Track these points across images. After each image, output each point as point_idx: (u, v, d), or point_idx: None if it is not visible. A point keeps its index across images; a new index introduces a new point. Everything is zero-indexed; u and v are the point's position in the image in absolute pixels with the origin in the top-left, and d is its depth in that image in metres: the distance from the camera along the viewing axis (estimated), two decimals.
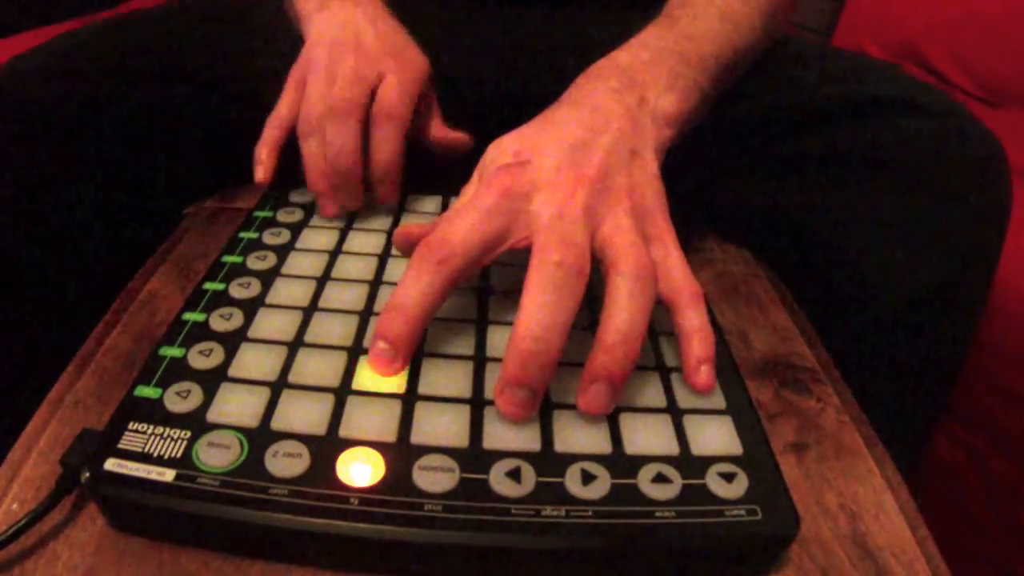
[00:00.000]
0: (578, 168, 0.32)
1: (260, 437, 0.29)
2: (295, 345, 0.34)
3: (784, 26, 0.51)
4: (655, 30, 0.41)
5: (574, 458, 0.29)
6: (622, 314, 0.29)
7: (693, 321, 0.32)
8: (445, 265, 0.30)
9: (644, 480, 0.28)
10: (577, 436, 0.30)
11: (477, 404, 0.31)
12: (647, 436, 0.30)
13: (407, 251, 0.34)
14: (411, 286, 0.30)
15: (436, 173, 0.47)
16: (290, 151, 0.44)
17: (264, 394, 0.31)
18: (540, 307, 0.28)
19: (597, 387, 0.29)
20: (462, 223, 0.30)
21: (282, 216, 0.45)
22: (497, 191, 0.31)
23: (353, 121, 0.41)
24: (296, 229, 0.44)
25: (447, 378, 0.32)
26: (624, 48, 0.40)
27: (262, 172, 0.44)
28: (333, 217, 0.44)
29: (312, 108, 0.41)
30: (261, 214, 0.45)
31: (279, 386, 0.31)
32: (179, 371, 0.32)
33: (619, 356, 0.29)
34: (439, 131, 0.48)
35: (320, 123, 0.41)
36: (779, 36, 0.50)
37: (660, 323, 0.37)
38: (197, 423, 0.29)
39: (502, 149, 0.34)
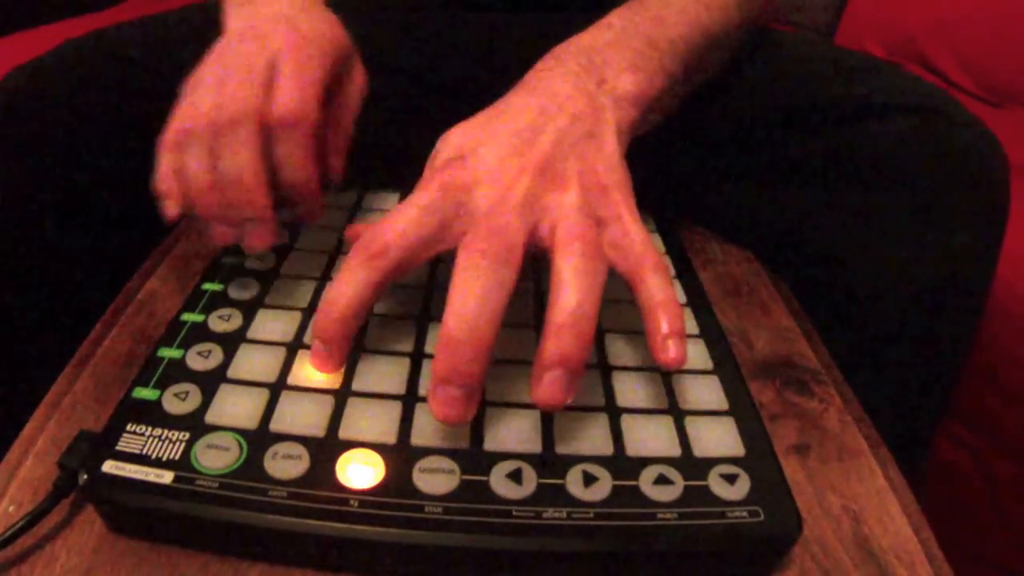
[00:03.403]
0: (522, 157, 0.31)
1: (259, 439, 0.28)
2: (294, 346, 0.34)
3: (767, 12, 0.49)
4: (623, 12, 0.40)
5: (575, 460, 0.29)
6: (569, 294, 0.27)
7: (655, 294, 0.30)
8: (379, 260, 0.29)
9: (646, 482, 0.28)
10: (578, 438, 0.30)
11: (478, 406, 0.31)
12: (648, 437, 0.30)
13: None
14: (344, 282, 0.29)
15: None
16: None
17: (263, 395, 0.30)
18: (465, 298, 0.27)
19: (551, 375, 0.27)
20: (399, 220, 0.30)
21: (282, 216, 0.45)
22: (436, 187, 0.30)
23: (249, 130, 0.33)
24: (296, 229, 0.43)
25: None
26: (587, 31, 0.38)
27: (172, 207, 0.34)
28: (225, 244, 0.35)
29: (193, 114, 0.34)
30: None
31: (278, 387, 0.31)
32: (178, 372, 0.31)
33: (570, 338, 0.27)
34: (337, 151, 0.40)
35: (201, 135, 0.33)
36: (761, 21, 0.49)
37: None
38: (196, 425, 0.29)
39: (447, 143, 0.33)
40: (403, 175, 0.42)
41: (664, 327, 0.29)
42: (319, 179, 0.36)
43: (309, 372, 0.32)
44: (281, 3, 0.38)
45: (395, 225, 0.29)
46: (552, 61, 0.37)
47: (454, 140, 0.33)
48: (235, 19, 0.38)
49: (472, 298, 0.27)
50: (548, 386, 0.27)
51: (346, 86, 0.39)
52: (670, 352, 0.29)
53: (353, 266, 0.29)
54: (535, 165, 0.31)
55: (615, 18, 0.39)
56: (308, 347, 0.33)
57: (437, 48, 0.54)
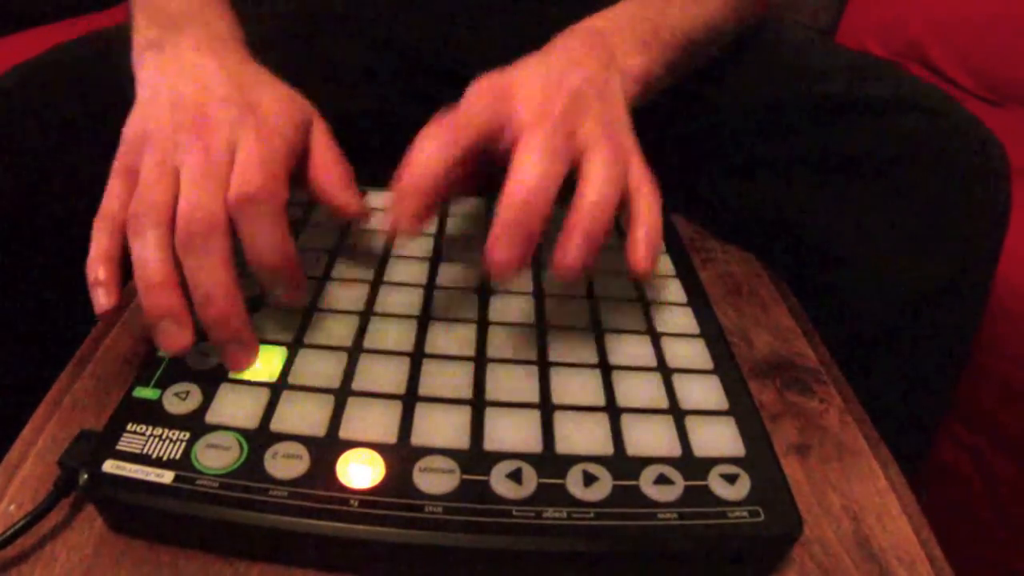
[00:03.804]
0: (557, 87, 0.34)
1: (260, 438, 0.28)
2: (295, 346, 0.33)
3: (759, 13, 0.51)
4: (632, 3, 0.43)
5: (575, 459, 0.29)
6: (595, 186, 0.31)
7: (644, 210, 0.33)
8: (456, 135, 0.32)
9: (646, 482, 0.28)
10: (578, 437, 0.30)
11: (478, 405, 0.31)
12: (649, 437, 0.30)
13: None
14: (425, 149, 0.32)
15: None
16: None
17: (264, 395, 0.30)
18: (532, 164, 0.30)
19: (572, 241, 0.30)
20: (462, 112, 0.33)
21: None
22: (486, 89, 0.34)
23: (219, 239, 0.30)
24: (296, 229, 0.43)
25: (448, 379, 0.32)
26: (600, 15, 0.41)
27: (104, 296, 0.31)
28: (177, 351, 0.31)
29: (146, 197, 0.31)
30: None
31: (279, 387, 0.31)
32: (178, 372, 0.31)
33: (593, 216, 0.31)
34: (330, 186, 0.36)
35: (157, 221, 0.30)
36: (754, 21, 0.51)
37: (660, 324, 0.37)
38: (196, 424, 0.29)
39: (481, 80, 0.35)
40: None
41: (640, 233, 0.33)
42: (296, 254, 0.32)
43: (311, 371, 0.32)
44: (207, 49, 0.35)
45: (461, 115, 0.33)
46: (568, 37, 0.39)
47: (487, 78, 0.35)
48: (153, 73, 0.35)
49: (538, 165, 0.31)
50: (567, 250, 0.30)
51: (315, 139, 0.36)
52: (639, 252, 0.32)
53: (432, 135, 0.32)
54: (568, 92, 0.34)
55: (626, 5, 0.42)
56: (309, 346, 0.33)
57: (435, 28, 0.53)
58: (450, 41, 0.53)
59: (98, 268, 0.31)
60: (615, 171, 0.32)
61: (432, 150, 0.32)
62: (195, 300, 0.30)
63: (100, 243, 0.31)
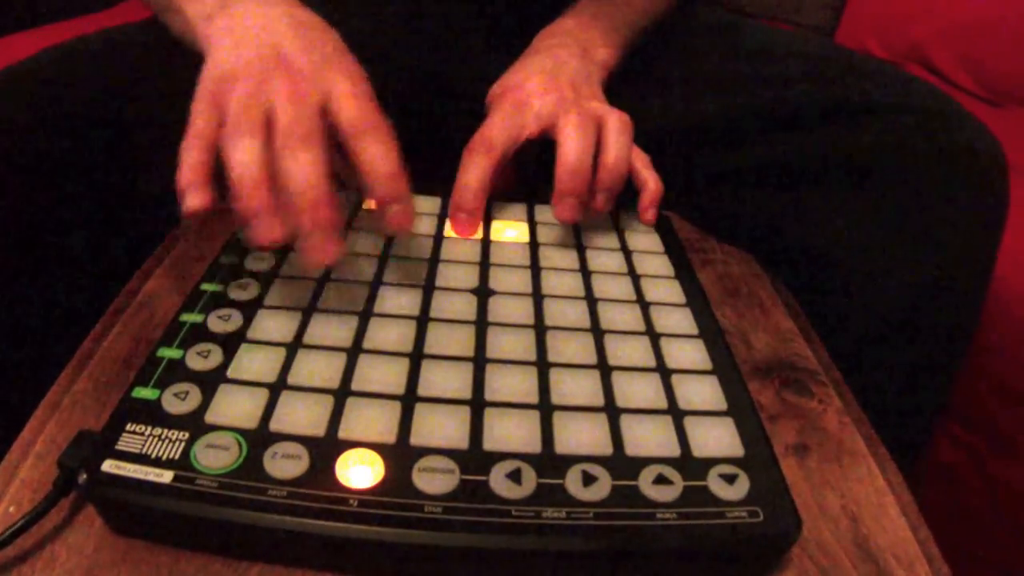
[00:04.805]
0: (558, 82, 0.46)
1: (259, 438, 0.28)
2: (294, 346, 0.34)
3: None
4: (591, 4, 0.54)
5: (575, 460, 0.29)
6: (614, 148, 0.43)
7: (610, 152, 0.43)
8: (490, 152, 0.43)
9: (645, 482, 0.28)
10: (577, 438, 0.30)
11: (477, 405, 0.31)
12: (648, 438, 0.30)
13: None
14: (469, 170, 0.43)
15: (434, 173, 0.47)
16: None
17: (263, 395, 0.30)
18: (575, 141, 0.42)
19: (566, 200, 0.42)
20: (493, 126, 0.44)
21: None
22: (508, 103, 0.45)
23: (316, 147, 0.33)
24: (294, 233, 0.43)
25: (447, 379, 0.32)
26: (568, 16, 0.52)
27: (194, 196, 0.32)
28: (268, 244, 0.33)
29: (240, 108, 0.34)
30: None
31: (278, 387, 0.31)
32: (177, 372, 0.31)
33: (619, 170, 0.43)
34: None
35: (253, 127, 0.33)
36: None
37: (659, 325, 0.37)
38: (195, 424, 0.29)
39: (494, 89, 0.47)
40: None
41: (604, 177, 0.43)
42: (406, 175, 0.35)
43: (310, 372, 0.32)
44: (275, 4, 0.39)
45: (492, 128, 0.44)
46: (547, 37, 0.50)
47: (498, 86, 0.47)
48: (224, 32, 0.38)
49: (580, 140, 0.42)
50: (564, 207, 0.42)
51: None
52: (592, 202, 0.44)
53: (471, 159, 0.43)
54: (569, 84, 0.46)
55: (587, 6, 0.53)
56: (308, 347, 0.33)
57: (435, 43, 0.54)
58: (447, 63, 0.56)
59: (190, 173, 0.33)
60: (627, 135, 0.44)
61: (475, 174, 0.42)
62: (292, 193, 0.32)
63: (191, 156, 0.33)
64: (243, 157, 0.32)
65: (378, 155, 0.35)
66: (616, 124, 0.43)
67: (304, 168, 0.32)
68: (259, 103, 0.34)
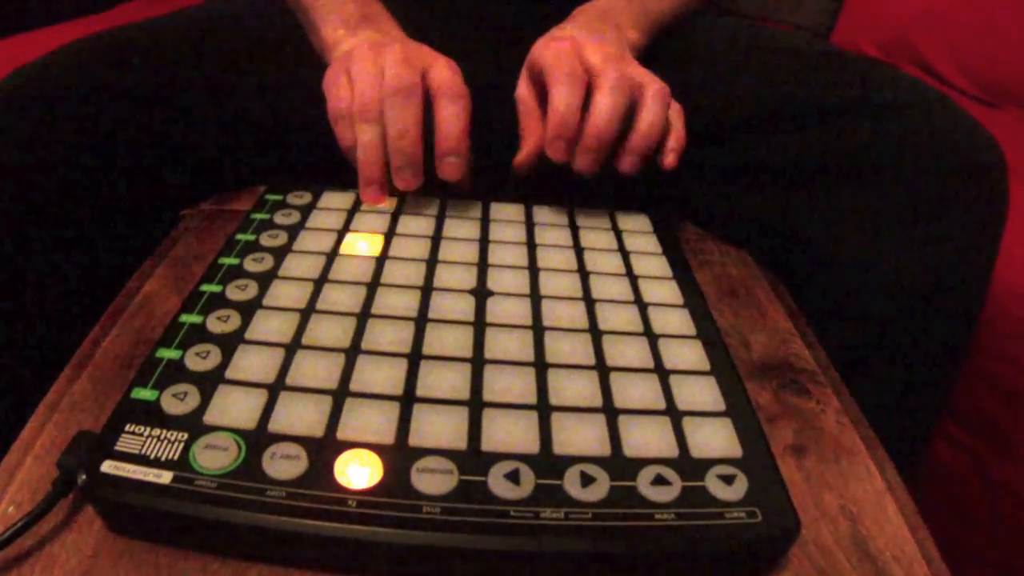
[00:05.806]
0: (603, 44, 0.46)
1: (257, 439, 0.28)
2: (293, 347, 0.34)
3: None
4: None
5: (573, 460, 0.29)
6: (652, 109, 0.44)
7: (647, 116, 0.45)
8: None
9: (643, 482, 0.28)
10: (576, 438, 0.30)
11: (475, 406, 0.31)
12: (646, 438, 0.30)
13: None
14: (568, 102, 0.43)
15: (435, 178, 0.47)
16: (281, 151, 0.43)
17: (261, 396, 0.30)
18: (605, 98, 0.43)
19: (556, 143, 0.43)
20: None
21: (279, 218, 0.45)
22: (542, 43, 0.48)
23: (416, 100, 0.42)
24: (293, 231, 0.44)
25: (445, 380, 0.32)
26: None
27: (375, 193, 0.46)
28: (377, 205, 0.46)
29: (368, 93, 0.42)
30: (258, 216, 0.45)
31: (277, 388, 0.31)
32: (176, 373, 0.32)
33: (652, 134, 0.44)
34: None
35: (378, 107, 0.42)
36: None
37: (657, 326, 0.38)
38: (194, 425, 0.29)
39: (546, 37, 0.49)
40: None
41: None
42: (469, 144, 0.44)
43: (308, 372, 0.32)
44: (393, 32, 0.50)
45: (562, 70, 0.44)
46: (583, 14, 0.52)
47: (555, 37, 0.48)
48: (356, 40, 0.48)
49: (609, 101, 0.43)
50: (553, 149, 0.44)
51: None
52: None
53: (566, 95, 0.43)
54: (617, 47, 0.48)
55: None
56: (307, 348, 0.33)
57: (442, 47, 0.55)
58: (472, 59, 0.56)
59: (372, 169, 0.44)
60: (662, 103, 0.44)
61: (574, 99, 0.43)
62: (391, 135, 0.42)
63: (346, 135, 0.45)
64: (367, 139, 0.43)
65: (452, 114, 0.43)
66: (655, 91, 0.44)
67: (404, 116, 0.42)
68: (377, 66, 0.43)
